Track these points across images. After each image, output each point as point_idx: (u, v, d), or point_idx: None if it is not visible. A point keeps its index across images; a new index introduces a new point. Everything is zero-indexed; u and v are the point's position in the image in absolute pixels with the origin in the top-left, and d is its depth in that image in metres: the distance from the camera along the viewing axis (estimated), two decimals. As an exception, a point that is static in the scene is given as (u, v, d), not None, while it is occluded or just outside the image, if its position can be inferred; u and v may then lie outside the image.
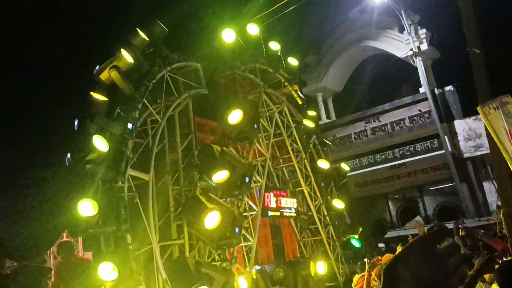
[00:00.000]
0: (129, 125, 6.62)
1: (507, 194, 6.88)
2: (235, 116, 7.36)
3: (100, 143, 6.33)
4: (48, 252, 9.67)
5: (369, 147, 20.88)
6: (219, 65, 9.15)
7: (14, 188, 8.26)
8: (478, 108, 5.57)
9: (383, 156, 20.70)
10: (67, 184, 7.34)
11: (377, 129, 20.76)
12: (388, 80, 21.95)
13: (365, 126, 21.02)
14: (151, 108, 7.23)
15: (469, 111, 19.19)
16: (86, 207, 5.93)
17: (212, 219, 6.34)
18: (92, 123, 6.31)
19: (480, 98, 6.75)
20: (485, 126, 5.63)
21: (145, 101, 7.08)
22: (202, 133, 8.42)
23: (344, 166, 10.98)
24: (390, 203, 23.18)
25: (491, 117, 5.44)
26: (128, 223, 6.33)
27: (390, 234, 20.01)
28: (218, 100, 7.77)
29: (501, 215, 7.23)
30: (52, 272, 9.40)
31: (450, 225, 17.47)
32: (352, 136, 21.23)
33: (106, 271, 5.87)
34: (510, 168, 5.47)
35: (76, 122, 6.63)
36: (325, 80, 22.69)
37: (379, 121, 20.72)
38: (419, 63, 19.83)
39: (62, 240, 10.58)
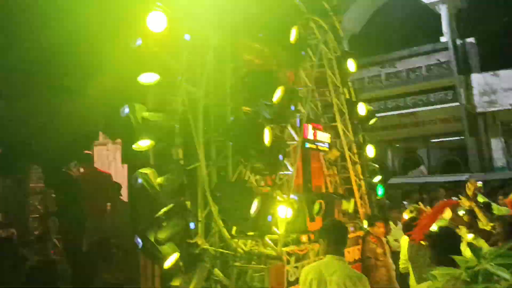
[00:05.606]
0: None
1: None
2: (292, 35, 7.02)
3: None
4: (74, 163, 9.49)
5: (381, 93, 20.61)
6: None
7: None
8: None
9: (394, 103, 20.53)
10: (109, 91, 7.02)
11: (392, 75, 20.43)
12: (408, 26, 21.37)
13: (380, 71, 20.67)
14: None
15: (487, 66, 18.94)
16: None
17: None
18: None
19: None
20: None
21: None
22: (248, 55, 8.02)
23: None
24: (393, 151, 23.30)
25: None
26: (181, 137, 6.11)
27: (391, 181, 20.22)
28: (272, 21, 7.35)
29: None
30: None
31: (454, 178, 17.77)
32: (366, 80, 20.89)
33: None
34: None
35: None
36: (343, 20, 21.99)
37: (395, 67, 20.37)
38: (444, 11, 19.29)
39: (86, 151, 10.39)
